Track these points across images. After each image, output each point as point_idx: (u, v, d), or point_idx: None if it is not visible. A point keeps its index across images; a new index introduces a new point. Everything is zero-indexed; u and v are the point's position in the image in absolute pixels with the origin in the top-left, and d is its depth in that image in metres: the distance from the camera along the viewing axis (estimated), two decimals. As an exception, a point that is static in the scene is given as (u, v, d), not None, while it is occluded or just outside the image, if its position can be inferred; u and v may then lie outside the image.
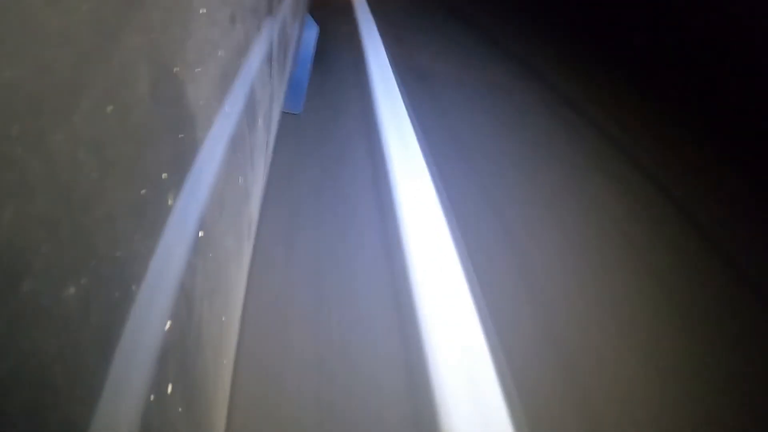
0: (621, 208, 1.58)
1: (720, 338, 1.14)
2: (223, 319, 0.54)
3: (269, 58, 0.81)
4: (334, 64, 2.81)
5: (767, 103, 2.75)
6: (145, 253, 0.31)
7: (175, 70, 0.35)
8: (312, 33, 1.91)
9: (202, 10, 0.41)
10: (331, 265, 1.32)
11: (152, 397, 0.33)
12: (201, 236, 0.43)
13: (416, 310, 1.19)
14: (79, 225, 0.24)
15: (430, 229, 1.50)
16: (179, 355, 0.38)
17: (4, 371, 0.19)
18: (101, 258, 0.26)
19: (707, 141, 2.12)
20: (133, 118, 0.29)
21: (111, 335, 0.27)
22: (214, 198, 0.47)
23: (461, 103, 2.28)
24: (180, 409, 0.38)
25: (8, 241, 0.19)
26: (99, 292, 0.25)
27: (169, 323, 0.35)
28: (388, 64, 2.87)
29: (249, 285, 0.80)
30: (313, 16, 2.04)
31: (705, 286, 1.25)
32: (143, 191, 0.30)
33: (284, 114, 1.52)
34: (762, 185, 1.85)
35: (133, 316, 0.29)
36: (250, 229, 0.74)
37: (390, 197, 1.62)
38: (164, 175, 0.34)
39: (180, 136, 0.36)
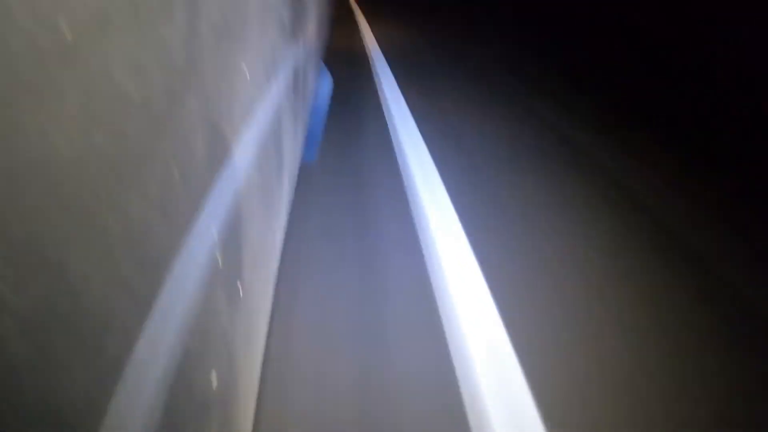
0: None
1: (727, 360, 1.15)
2: (256, 369, 0.54)
3: (295, 113, 0.83)
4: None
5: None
6: (197, 313, 0.32)
7: (225, 130, 0.37)
8: (326, 83, 1.96)
9: (248, 73, 0.43)
10: (347, 311, 1.31)
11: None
12: (241, 295, 0.43)
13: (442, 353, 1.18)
14: (148, 284, 0.25)
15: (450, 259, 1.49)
16: (223, 407, 0.38)
17: None
18: (161, 315, 0.26)
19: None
20: (193, 181, 0.31)
21: (170, 393, 0.28)
22: (251, 255, 0.48)
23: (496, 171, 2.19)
24: None
25: (98, 299, 0.20)
26: (157, 350, 0.26)
27: (215, 378, 0.35)
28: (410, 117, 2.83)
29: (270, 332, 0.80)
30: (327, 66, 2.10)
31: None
32: (199, 250, 0.32)
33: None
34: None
35: (184, 374, 0.30)
36: (274, 280, 0.75)
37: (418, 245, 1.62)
38: (215, 235, 0.35)
39: (230, 196, 0.38)
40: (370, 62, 4.11)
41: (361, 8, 7.34)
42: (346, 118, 2.72)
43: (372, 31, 5.76)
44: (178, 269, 0.28)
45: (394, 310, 1.32)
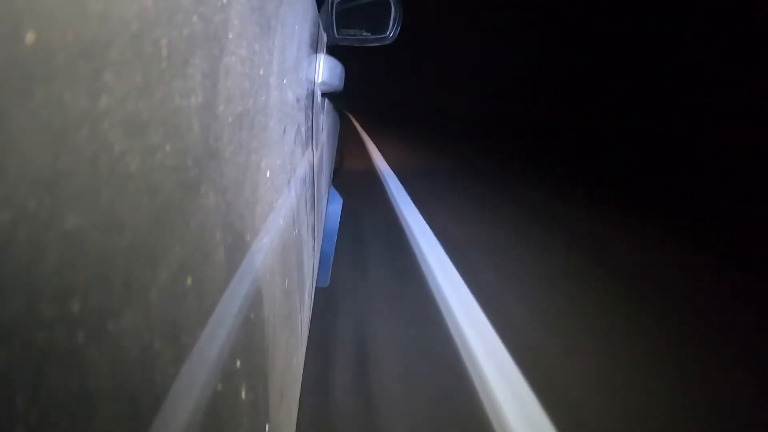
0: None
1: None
2: None
3: (313, 232, 0.79)
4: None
5: None
6: None
7: (246, 237, 0.31)
8: (337, 206, 1.96)
9: (269, 173, 0.38)
10: None
11: None
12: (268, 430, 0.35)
13: None
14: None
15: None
16: None
17: None
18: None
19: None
20: (209, 295, 0.24)
21: None
22: (277, 388, 0.41)
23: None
24: None
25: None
26: None
27: None
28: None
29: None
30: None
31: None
32: (218, 384, 0.24)
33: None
34: None
35: None
36: (296, 412, 0.66)
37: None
38: (239, 364, 0.28)
39: (251, 315, 0.31)
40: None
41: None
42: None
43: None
44: (187, 413, 0.21)
45: None
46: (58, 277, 0.13)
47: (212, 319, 0.24)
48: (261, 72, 0.35)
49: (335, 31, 1.62)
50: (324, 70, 0.84)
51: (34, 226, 0.13)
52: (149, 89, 0.18)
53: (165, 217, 0.19)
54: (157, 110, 0.19)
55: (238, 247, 0.29)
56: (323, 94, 1.02)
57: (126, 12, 0.17)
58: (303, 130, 0.62)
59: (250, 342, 0.31)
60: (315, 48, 0.84)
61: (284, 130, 0.46)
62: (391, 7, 1.77)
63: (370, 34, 1.80)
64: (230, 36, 0.28)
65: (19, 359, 0.12)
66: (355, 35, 1.74)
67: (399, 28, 1.76)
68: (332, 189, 2.00)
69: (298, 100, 0.55)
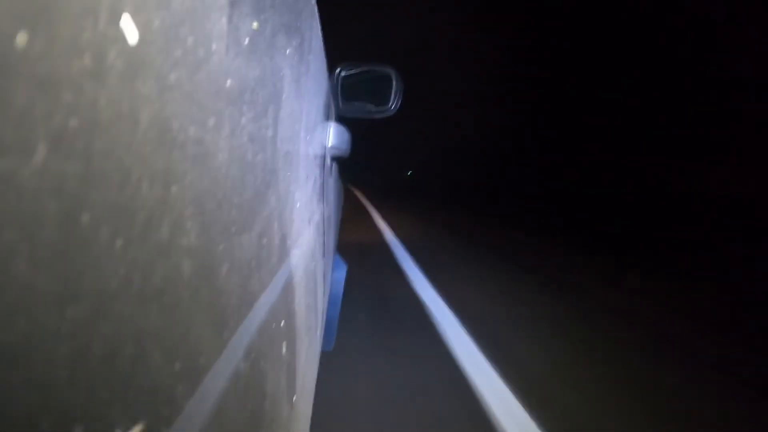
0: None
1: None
2: None
3: (321, 306, 0.81)
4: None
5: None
6: None
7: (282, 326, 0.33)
8: (341, 272, 1.97)
9: (295, 255, 0.41)
10: None
11: None
12: None
13: None
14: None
15: None
16: None
17: None
18: None
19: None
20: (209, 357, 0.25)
21: None
22: None
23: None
24: None
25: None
26: None
27: None
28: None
29: None
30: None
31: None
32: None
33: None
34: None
35: None
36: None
37: None
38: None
39: (278, 386, 0.33)
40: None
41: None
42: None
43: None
44: None
45: None
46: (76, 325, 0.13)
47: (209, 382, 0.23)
48: (295, 127, 0.39)
49: (341, 104, 1.68)
50: (334, 136, 0.89)
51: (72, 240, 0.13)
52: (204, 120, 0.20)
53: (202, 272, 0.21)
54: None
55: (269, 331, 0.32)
56: (332, 159, 1.06)
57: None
58: (318, 185, 0.65)
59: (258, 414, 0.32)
60: (327, 116, 0.89)
61: (304, 225, 0.49)
62: (392, 81, 1.84)
63: (373, 106, 1.86)
64: (281, 95, 0.31)
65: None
66: (359, 108, 1.80)
67: (400, 101, 1.83)
68: (336, 256, 2.02)
69: (315, 157, 0.59)
